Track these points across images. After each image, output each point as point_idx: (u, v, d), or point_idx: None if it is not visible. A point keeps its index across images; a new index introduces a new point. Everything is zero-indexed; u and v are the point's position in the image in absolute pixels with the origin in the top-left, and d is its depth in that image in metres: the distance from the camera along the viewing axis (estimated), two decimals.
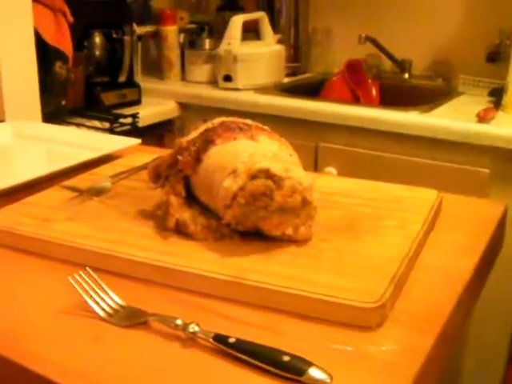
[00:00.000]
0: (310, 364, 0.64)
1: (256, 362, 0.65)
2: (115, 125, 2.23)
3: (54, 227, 0.94)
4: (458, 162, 1.96)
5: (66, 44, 2.13)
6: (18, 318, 0.77)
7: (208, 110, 2.52)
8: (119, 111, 2.38)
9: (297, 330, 0.72)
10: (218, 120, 0.97)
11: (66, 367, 0.68)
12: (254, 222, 0.84)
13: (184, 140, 0.95)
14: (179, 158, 0.92)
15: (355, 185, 1.07)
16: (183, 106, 2.61)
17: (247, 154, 0.85)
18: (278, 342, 0.68)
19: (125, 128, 2.26)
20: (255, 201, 0.82)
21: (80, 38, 2.33)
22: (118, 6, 2.48)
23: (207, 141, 0.90)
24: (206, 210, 0.91)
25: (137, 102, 2.53)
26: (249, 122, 0.95)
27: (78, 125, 2.20)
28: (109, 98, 2.44)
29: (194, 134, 0.96)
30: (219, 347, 0.68)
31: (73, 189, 1.08)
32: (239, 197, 0.82)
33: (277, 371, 0.64)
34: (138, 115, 2.30)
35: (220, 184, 0.84)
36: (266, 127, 0.95)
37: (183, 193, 0.93)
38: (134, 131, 2.25)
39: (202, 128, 0.95)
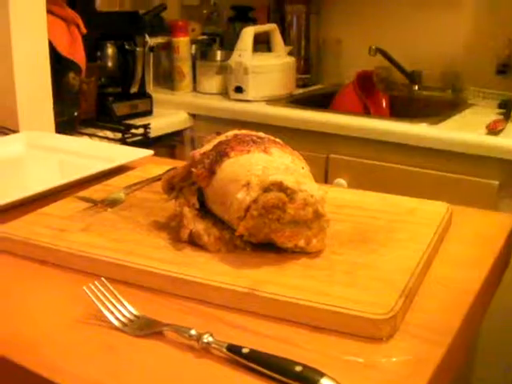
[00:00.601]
0: (322, 374, 0.64)
1: (269, 372, 0.66)
2: (127, 135, 2.25)
3: (70, 238, 0.95)
4: (468, 173, 1.97)
5: (79, 55, 2.15)
6: (33, 327, 0.78)
7: (219, 121, 2.53)
8: (131, 122, 2.40)
9: (309, 341, 0.73)
10: (231, 133, 0.98)
11: (80, 376, 0.69)
12: (266, 234, 0.85)
13: (197, 152, 0.97)
14: (193, 170, 0.93)
15: (366, 197, 1.08)
16: (194, 117, 2.63)
17: (260, 167, 0.86)
18: (291, 353, 0.69)
19: (136, 138, 2.28)
20: (268, 213, 0.83)
21: (93, 49, 2.35)
22: (130, 18, 2.50)
23: (221, 153, 0.91)
24: (219, 221, 0.92)
25: (148, 112, 2.55)
26: (262, 134, 0.97)
27: (90, 135, 2.21)
28: (121, 108, 2.46)
29: (207, 147, 0.97)
30: (232, 357, 0.69)
31: (87, 200, 1.09)
32: (252, 209, 0.83)
33: (289, 381, 0.65)
34: (150, 126, 2.32)
35: (233, 196, 0.86)
36: (278, 140, 0.97)
37: (197, 205, 0.94)
38: (145, 142, 2.26)
39: (216, 140, 0.97)
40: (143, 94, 2.56)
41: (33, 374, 0.70)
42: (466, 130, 2.02)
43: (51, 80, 1.87)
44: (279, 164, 0.88)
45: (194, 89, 2.81)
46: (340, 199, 1.04)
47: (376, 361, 0.70)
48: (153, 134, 2.37)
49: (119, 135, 2.25)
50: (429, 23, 2.64)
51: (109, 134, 2.27)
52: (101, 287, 0.80)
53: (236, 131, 0.99)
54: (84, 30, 2.16)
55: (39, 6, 1.80)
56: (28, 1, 1.76)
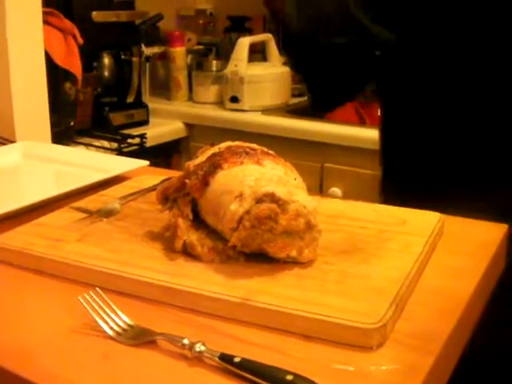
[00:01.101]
0: (313, 383, 0.66)
1: (260, 381, 0.67)
2: (123, 145, 2.27)
3: (65, 248, 0.96)
4: None
5: (75, 65, 2.16)
6: (29, 336, 0.79)
7: (215, 131, 2.55)
8: (127, 131, 2.42)
9: (300, 350, 0.74)
10: (224, 144, 0.99)
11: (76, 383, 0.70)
12: (259, 245, 0.87)
13: (191, 164, 0.98)
14: (187, 181, 0.94)
15: (359, 207, 1.09)
16: (190, 127, 2.65)
17: (253, 179, 0.87)
18: (282, 362, 0.70)
19: (132, 148, 2.29)
20: (260, 224, 0.84)
21: (89, 59, 2.37)
22: (126, 28, 2.52)
23: (214, 165, 0.92)
24: (212, 232, 0.93)
25: (144, 122, 2.57)
26: (255, 146, 0.98)
27: (87, 145, 2.23)
28: (117, 118, 2.48)
29: (201, 158, 0.98)
30: (225, 366, 0.70)
31: (82, 210, 1.10)
32: (245, 220, 0.84)
33: None
34: (146, 136, 2.33)
35: (226, 207, 0.87)
36: (271, 152, 0.98)
37: (190, 215, 0.95)
38: (141, 151, 2.28)
39: (209, 152, 0.98)
40: (139, 104, 2.58)
41: (28, 383, 0.71)
42: None
43: (47, 90, 1.88)
44: (272, 175, 0.89)
45: (190, 98, 2.83)
46: (332, 209, 1.05)
47: (366, 369, 0.71)
48: (149, 143, 2.39)
49: (115, 145, 2.27)
50: None
51: (105, 143, 2.29)
52: (95, 297, 0.81)
53: (229, 143, 1.00)
54: (81, 41, 2.18)
55: (36, 17, 1.81)
56: (25, 12, 1.77)
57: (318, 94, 1.45)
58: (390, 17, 1.27)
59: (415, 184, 1.37)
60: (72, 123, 2.24)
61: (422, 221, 1.03)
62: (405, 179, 1.40)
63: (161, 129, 2.58)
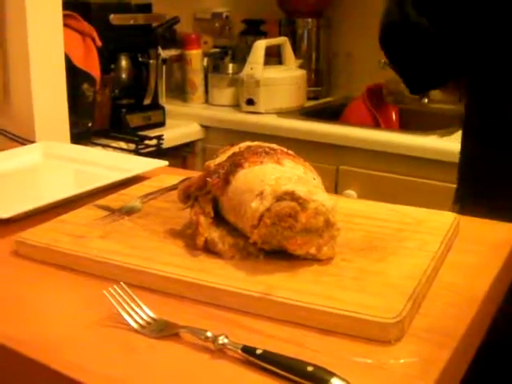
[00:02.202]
0: (333, 374, 0.67)
1: (282, 372, 0.69)
2: (140, 146, 2.28)
3: (89, 244, 0.98)
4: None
5: (93, 67, 2.19)
6: (55, 330, 0.82)
7: (230, 133, 2.57)
8: (144, 133, 2.43)
9: (320, 344, 0.76)
10: (244, 144, 1.01)
11: (104, 375, 0.72)
12: (279, 242, 0.89)
13: (212, 163, 1.00)
14: (208, 180, 0.96)
15: (375, 207, 1.11)
16: (206, 129, 2.66)
17: (273, 177, 0.89)
18: (302, 355, 0.72)
19: (149, 149, 2.31)
20: (281, 221, 0.86)
21: (107, 61, 2.38)
22: (143, 31, 2.54)
23: (235, 164, 0.94)
24: (233, 229, 0.95)
25: (161, 124, 2.59)
26: (274, 146, 1.00)
27: (104, 146, 2.25)
28: (134, 119, 2.50)
29: (221, 157, 1.01)
30: (247, 358, 0.72)
31: (105, 208, 1.13)
32: (265, 217, 0.86)
33: (301, 381, 0.68)
34: (163, 137, 2.35)
35: (247, 205, 0.89)
36: (290, 152, 1.00)
37: (212, 213, 0.97)
38: (157, 153, 2.30)
39: (230, 152, 1.00)
40: (156, 106, 2.60)
41: (58, 374, 0.73)
42: None
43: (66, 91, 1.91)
44: (291, 174, 0.91)
45: (206, 101, 2.85)
46: (350, 209, 1.07)
47: (384, 362, 0.73)
48: (165, 145, 2.40)
49: (133, 146, 2.29)
50: None
51: (122, 144, 2.31)
52: (120, 291, 0.83)
53: (249, 143, 1.02)
54: (99, 43, 2.20)
55: (56, 20, 1.84)
56: (45, 15, 1.80)
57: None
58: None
59: (493, 195, 1.39)
60: (90, 124, 2.26)
61: (438, 220, 1.05)
62: (483, 191, 1.42)
63: (177, 130, 2.60)
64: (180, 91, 2.91)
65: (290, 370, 0.69)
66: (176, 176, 1.28)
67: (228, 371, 0.72)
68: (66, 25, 1.95)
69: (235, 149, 1.00)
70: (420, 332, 0.78)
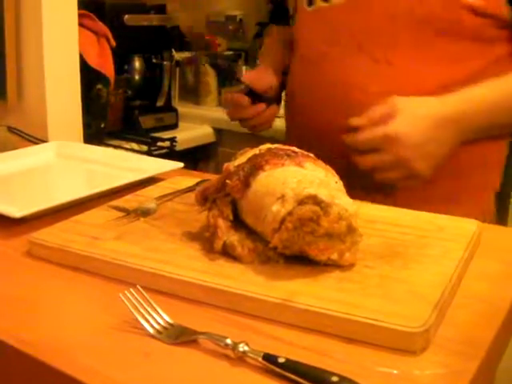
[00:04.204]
0: None
1: (305, 382, 0.67)
2: (153, 148, 2.27)
3: (103, 245, 0.96)
4: None
5: (108, 67, 2.17)
6: (70, 333, 0.80)
7: (243, 136, 2.53)
8: (156, 135, 2.42)
9: (343, 353, 0.74)
10: (264, 146, 0.99)
11: (117, 381, 0.70)
12: (300, 247, 0.86)
13: (231, 165, 0.98)
14: (228, 182, 0.94)
15: (397, 213, 1.09)
16: (219, 132, 2.65)
17: (295, 180, 0.87)
18: (325, 364, 0.70)
19: (162, 151, 2.29)
20: (303, 226, 0.84)
21: (120, 62, 2.37)
22: (157, 32, 2.53)
23: (256, 166, 0.92)
24: (252, 233, 0.93)
25: (174, 126, 2.58)
26: (295, 149, 0.98)
27: (117, 147, 2.24)
28: (146, 121, 2.49)
29: (240, 159, 0.98)
30: (268, 367, 0.70)
31: (120, 209, 1.11)
32: (287, 221, 0.84)
33: None
34: (176, 139, 2.34)
35: (268, 208, 0.87)
36: (311, 154, 0.97)
37: (231, 216, 0.95)
38: (169, 155, 2.28)
39: (250, 153, 0.98)
40: (169, 108, 2.59)
41: (72, 379, 0.71)
42: None
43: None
44: (313, 178, 0.89)
45: (219, 103, 2.83)
46: (371, 215, 1.05)
47: (410, 373, 0.70)
48: (178, 147, 2.39)
49: (145, 148, 2.28)
50: None
51: (134, 146, 2.29)
52: (136, 295, 0.81)
53: (269, 145, 1.00)
54: (113, 43, 2.19)
55: (71, 20, 1.82)
56: (61, 14, 1.78)
57: None
58: None
59: None
60: (103, 125, 2.25)
61: (460, 227, 1.03)
62: None
63: (189, 133, 2.59)
64: (193, 93, 2.90)
65: (313, 380, 0.67)
66: (191, 178, 1.27)
67: (248, 379, 0.70)
68: (80, 24, 1.94)
69: (255, 151, 0.98)
70: (446, 342, 0.76)
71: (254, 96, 1.56)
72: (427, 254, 0.93)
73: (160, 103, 2.53)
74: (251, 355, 0.71)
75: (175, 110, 2.60)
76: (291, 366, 0.69)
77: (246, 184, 0.92)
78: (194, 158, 2.64)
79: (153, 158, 1.56)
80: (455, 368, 0.71)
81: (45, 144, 1.62)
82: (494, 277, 0.93)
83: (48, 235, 1.00)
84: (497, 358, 0.83)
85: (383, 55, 1.31)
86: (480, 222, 1.05)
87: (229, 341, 0.73)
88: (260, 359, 0.70)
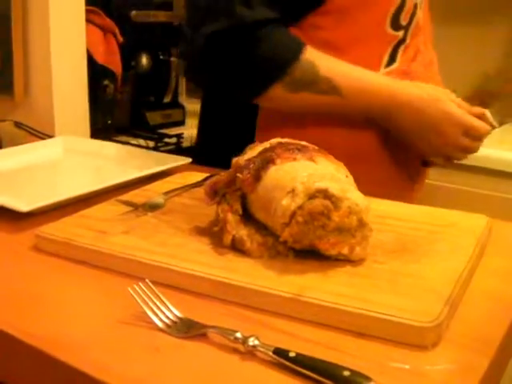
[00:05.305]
0: (370, 380, 0.64)
1: (316, 377, 0.66)
2: (160, 144, 2.26)
3: (111, 240, 0.96)
4: (506, 191, 1.96)
5: (115, 63, 2.17)
6: (79, 328, 0.79)
7: None
8: (163, 131, 2.41)
9: (354, 347, 0.73)
10: (275, 140, 0.98)
11: (128, 375, 0.70)
12: (310, 241, 0.86)
13: (241, 159, 0.97)
14: (239, 175, 0.93)
15: (407, 209, 1.08)
16: None
17: (306, 174, 0.86)
18: (336, 358, 0.69)
19: (169, 148, 2.29)
20: (313, 220, 0.83)
21: (127, 58, 2.37)
22: (165, 28, 2.52)
23: (267, 160, 0.91)
24: (261, 227, 0.93)
25: (181, 122, 2.57)
26: (305, 143, 0.97)
27: (124, 143, 2.23)
28: (154, 117, 2.48)
29: (249, 153, 0.98)
30: (279, 361, 0.69)
31: (128, 203, 1.10)
32: (298, 215, 0.83)
33: None
34: (183, 135, 2.33)
35: (278, 202, 0.86)
36: (322, 149, 0.97)
37: (240, 210, 0.94)
38: (176, 151, 2.28)
39: (260, 147, 0.97)
40: (176, 104, 2.58)
41: (80, 373, 0.70)
42: (502, 147, 2.02)
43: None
44: (325, 172, 0.88)
45: None
46: (382, 210, 1.04)
47: (421, 368, 0.70)
48: (185, 143, 2.38)
49: (152, 144, 2.27)
50: (461, 41, 2.63)
51: (141, 142, 2.29)
52: (145, 289, 0.80)
53: (279, 139, 0.99)
54: (120, 39, 2.18)
55: (79, 15, 1.82)
56: (68, 10, 1.78)
57: None
58: None
59: None
60: (110, 121, 2.24)
61: (471, 223, 1.02)
62: None
63: (196, 130, 2.57)
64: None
65: (325, 375, 0.66)
66: (199, 173, 1.26)
67: (258, 374, 0.69)
68: (88, 20, 1.93)
69: (266, 145, 0.97)
70: (457, 337, 0.75)
71: None
72: (438, 250, 0.92)
73: (167, 100, 2.52)
74: (261, 349, 0.70)
75: (182, 107, 2.59)
76: (302, 361, 0.68)
77: (257, 178, 0.91)
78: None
79: (160, 153, 1.56)
80: (466, 364, 0.71)
81: (52, 139, 1.62)
82: (504, 272, 0.92)
83: (55, 229, 1.00)
84: (507, 354, 0.82)
85: None
86: (490, 218, 1.04)
87: (239, 334, 0.72)
88: (270, 353, 0.70)
